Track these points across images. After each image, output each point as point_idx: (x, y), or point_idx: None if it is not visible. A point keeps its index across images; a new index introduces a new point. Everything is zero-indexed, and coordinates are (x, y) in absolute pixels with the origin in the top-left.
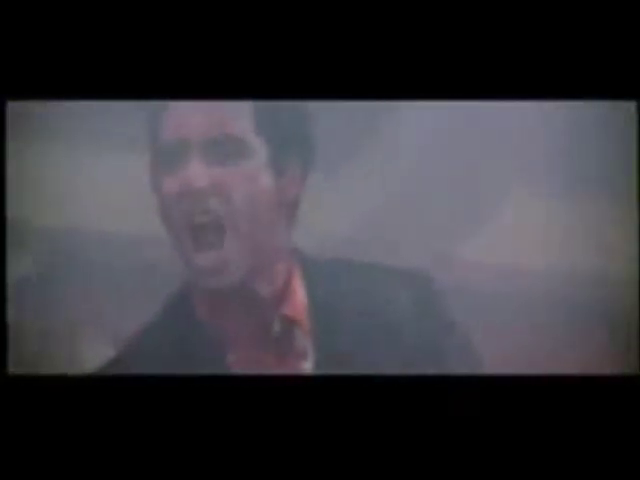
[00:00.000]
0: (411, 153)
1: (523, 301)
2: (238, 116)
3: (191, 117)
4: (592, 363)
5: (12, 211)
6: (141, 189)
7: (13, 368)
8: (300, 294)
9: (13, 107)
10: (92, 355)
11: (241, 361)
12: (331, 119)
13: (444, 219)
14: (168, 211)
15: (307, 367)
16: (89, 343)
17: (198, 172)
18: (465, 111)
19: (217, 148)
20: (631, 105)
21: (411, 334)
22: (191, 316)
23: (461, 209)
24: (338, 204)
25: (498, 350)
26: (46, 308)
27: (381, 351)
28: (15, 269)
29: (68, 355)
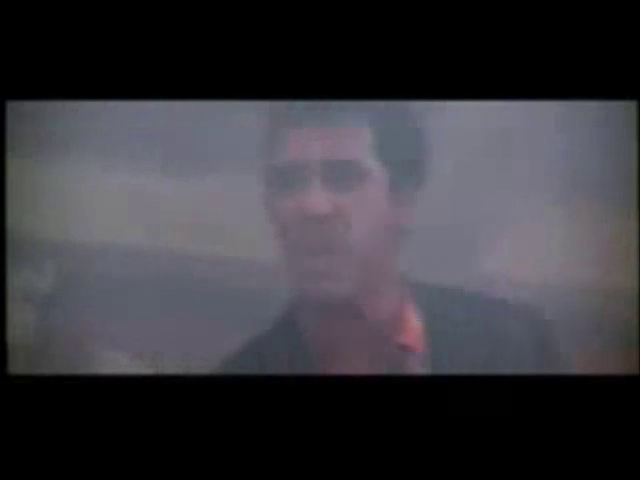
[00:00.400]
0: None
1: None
2: (357, 139)
3: (311, 140)
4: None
5: (12, 221)
6: (145, 199)
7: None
8: (413, 321)
9: (12, 107)
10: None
11: None
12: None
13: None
14: (284, 231)
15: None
16: (98, 353)
17: (320, 198)
18: (461, 112)
19: (337, 173)
20: (631, 105)
21: (526, 364)
22: (298, 337)
23: (459, 218)
24: None
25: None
26: (52, 320)
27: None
28: (16, 281)
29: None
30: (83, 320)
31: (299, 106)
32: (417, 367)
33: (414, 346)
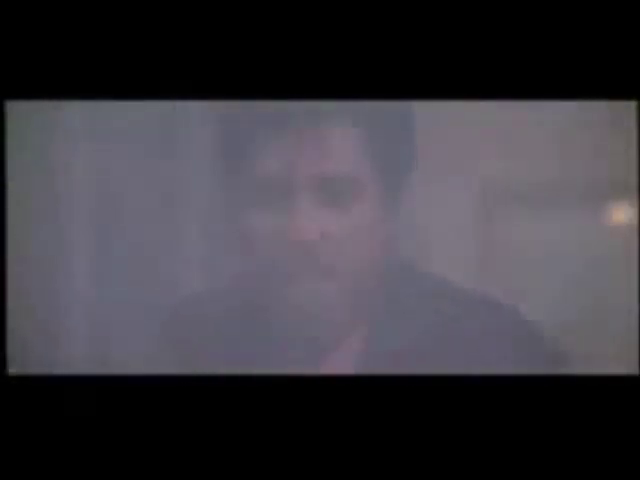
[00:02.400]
0: None
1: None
2: (350, 149)
3: (299, 151)
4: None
5: None
6: None
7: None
8: None
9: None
10: None
11: None
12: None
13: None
14: (254, 245)
15: None
16: None
17: (307, 220)
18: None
19: (329, 189)
20: (631, 105)
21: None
22: None
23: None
24: None
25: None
26: None
27: None
28: None
29: None
30: None
31: (277, 107)
32: None
33: None
